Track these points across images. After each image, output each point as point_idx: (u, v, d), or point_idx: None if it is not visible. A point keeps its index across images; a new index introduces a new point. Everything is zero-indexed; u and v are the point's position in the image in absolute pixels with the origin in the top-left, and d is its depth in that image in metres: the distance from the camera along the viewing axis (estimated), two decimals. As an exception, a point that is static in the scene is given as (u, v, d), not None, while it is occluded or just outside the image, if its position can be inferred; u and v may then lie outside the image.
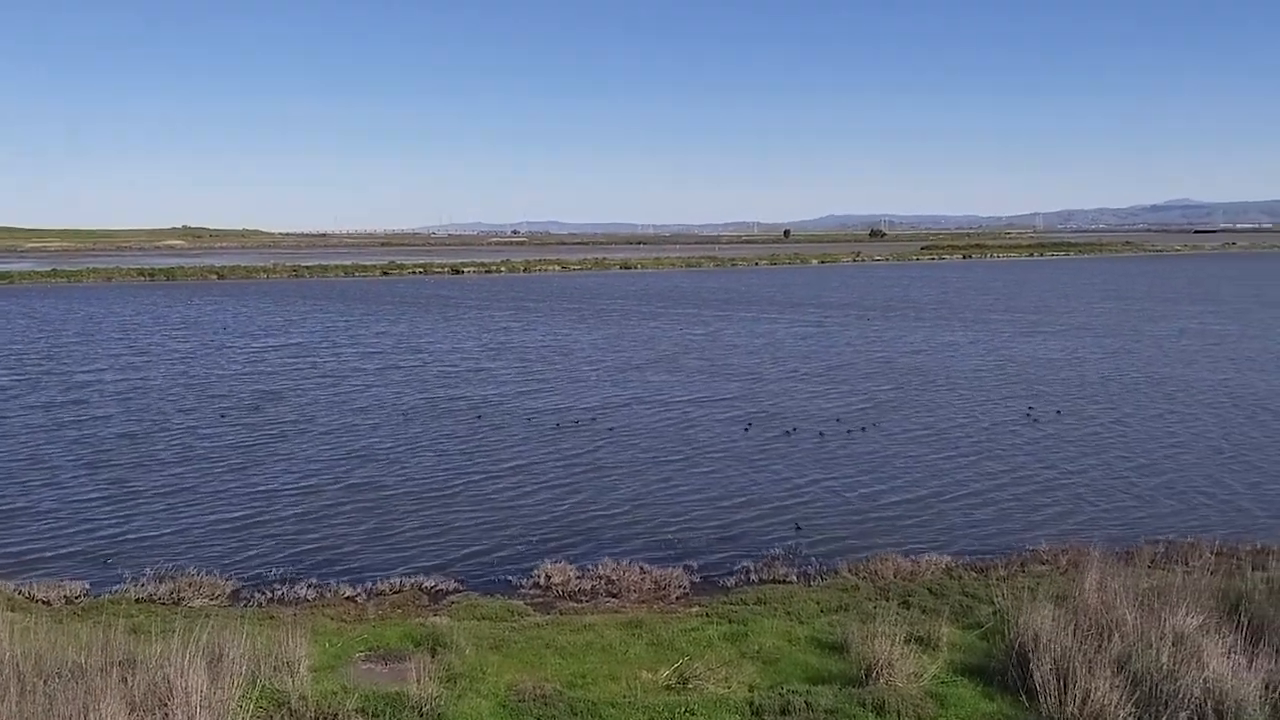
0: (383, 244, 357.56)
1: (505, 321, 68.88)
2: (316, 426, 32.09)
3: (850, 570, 18.20)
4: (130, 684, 10.60)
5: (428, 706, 11.31)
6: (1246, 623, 12.55)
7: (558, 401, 36.45)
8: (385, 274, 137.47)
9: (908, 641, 12.91)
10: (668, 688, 12.38)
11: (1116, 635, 12.13)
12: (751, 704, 11.68)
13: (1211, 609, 13.13)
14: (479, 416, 33.52)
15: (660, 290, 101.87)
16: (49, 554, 19.86)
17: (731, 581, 17.98)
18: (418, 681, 11.71)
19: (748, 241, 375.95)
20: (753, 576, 18.15)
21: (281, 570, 18.75)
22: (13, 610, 15.34)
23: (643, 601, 16.82)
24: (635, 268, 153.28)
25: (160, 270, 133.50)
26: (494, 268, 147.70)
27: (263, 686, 11.45)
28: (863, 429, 31.12)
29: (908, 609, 15.39)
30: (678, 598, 17.13)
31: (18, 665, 11.00)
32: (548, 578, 17.90)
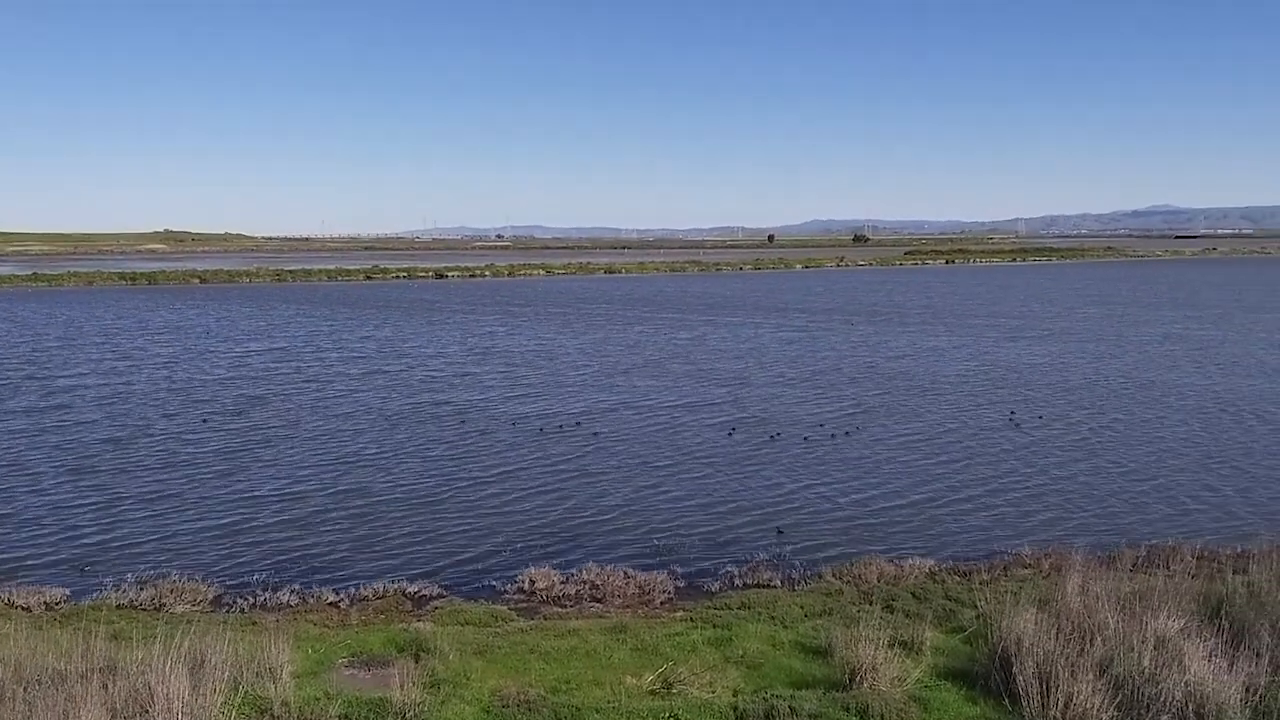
0: (366, 248, 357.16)
1: (490, 326, 68.78)
2: (300, 431, 31.95)
3: (834, 574, 18.22)
4: (111, 691, 10.53)
5: (411, 712, 11.27)
6: (1228, 626, 12.63)
7: (542, 406, 36.41)
8: (369, 278, 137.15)
9: (891, 645, 12.93)
10: (652, 693, 12.37)
11: (1099, 639, 12.19)
12: (735, 709, 11.69)
13: (1193, 612, 13.22)
14: (463, 421, 33.45)
15: (645, 295, 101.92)
16: (30, 560, 19.68)
17: (716, 586, 17.97)
18: (401, 687, 11.66)
19: (732, 246, 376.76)
20: (737, 581, 18.14)
21: (264, 576, 18.65)
22: (-8, 617, 15.21)
23: (627, 606, 16.80)
24: (620, 272, 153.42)
25: (142, 274, 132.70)
26: (478, 272, 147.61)
27: (245, 693, 11.38)
28: (847, 434, 31.21)
29: (891, 613, 15.43)
30: (662, 602, 17.12)
31: (-3, 672, 10.92)
32: (532, 583, 17.86)
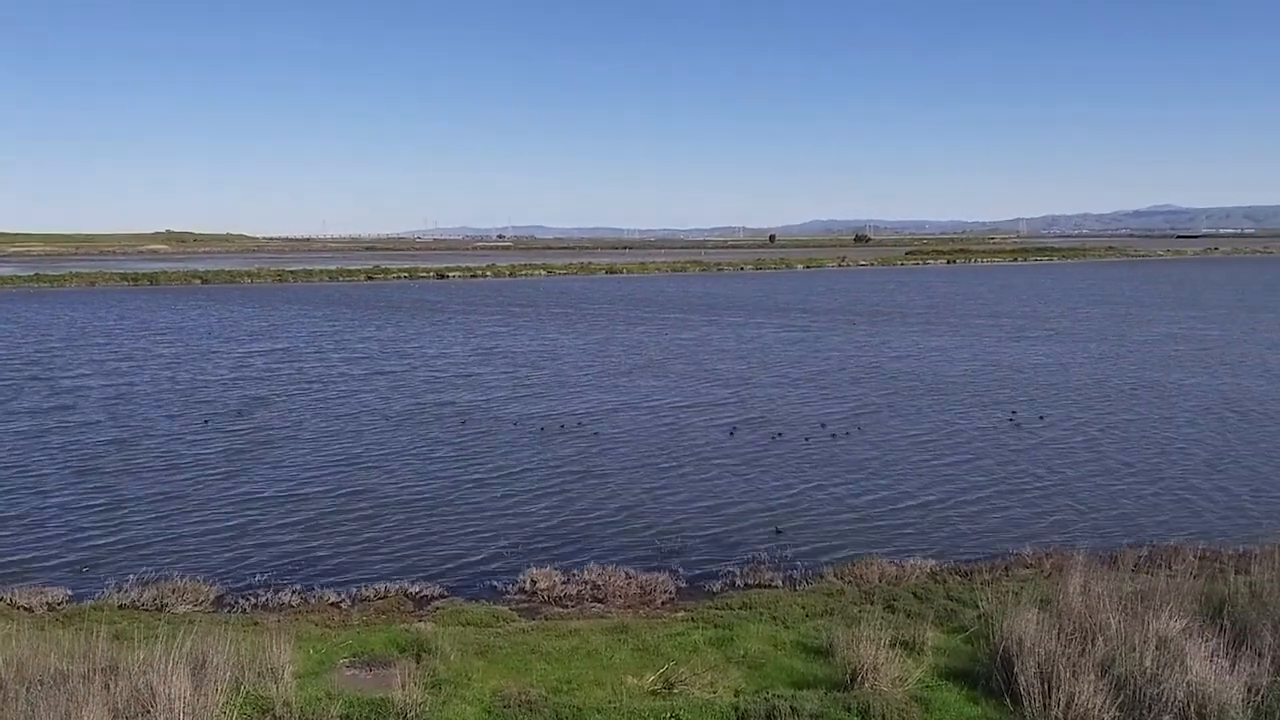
0: (368, 248, 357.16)
1: (492, 326, 68.79)
2: (302, 432, 31.97)
3: (835, 574, 18.22)
4: (113, 691, 10.54)
5: (413, 713, 11.28)
6: (1229, 626, 12.62)
7: (545, 407, 36.42)
8: (370, 279, 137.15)
9: (892, 645, 12.94)
10: (653, 693, 12.38)
11: (1100, 639, 12.19)
12: (737, 709, 11.69)
13: (1195, 613, 13.20)
14: (465, 422, 33.46)
15: (647, 295, 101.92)
16: (32, 561, 19.70)
17: (717, 586, 17.98)
18: (403, 687, 11.68)
19: (733, 246, 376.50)
20: (738, 581, 18.15)
21: (266, 576, 18.67)
22: (-6, 617, 15.23)
23: (628, 606, 16.80)
24: (621, 272, 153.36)
25: (144, 275, 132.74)
26: (479, 272, 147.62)
27: (246, 693, 11.40)
28: (848, 434, 31.20)
29: (893, 613, 15.43)
30: (663, 603, 17.12)
31: (-1, 672, 10.93)
32: (533, 583, 17.87)
